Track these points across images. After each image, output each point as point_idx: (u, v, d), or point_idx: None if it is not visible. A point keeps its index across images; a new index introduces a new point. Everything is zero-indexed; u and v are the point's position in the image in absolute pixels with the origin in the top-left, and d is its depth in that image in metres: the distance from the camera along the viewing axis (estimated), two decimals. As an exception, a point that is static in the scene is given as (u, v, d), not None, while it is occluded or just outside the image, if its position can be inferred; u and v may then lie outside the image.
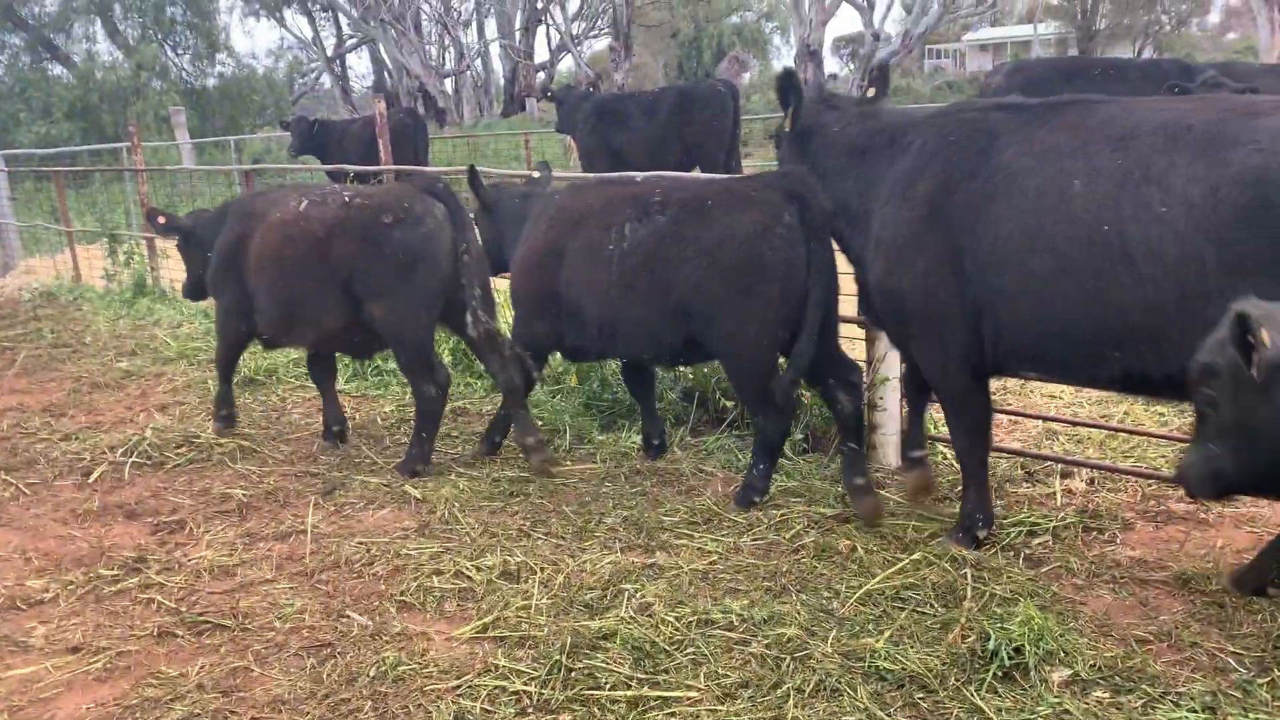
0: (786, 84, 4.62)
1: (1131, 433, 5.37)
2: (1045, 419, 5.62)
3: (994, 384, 4.55)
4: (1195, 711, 3.21)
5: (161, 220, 6.20)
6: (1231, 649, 3.57)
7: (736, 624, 3.83)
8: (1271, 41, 19.87)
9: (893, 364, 5.20)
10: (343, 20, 41.62)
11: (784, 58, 51.95)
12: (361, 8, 37.96)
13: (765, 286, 4.58)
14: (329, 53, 42.28)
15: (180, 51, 38.25)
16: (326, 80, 44.84)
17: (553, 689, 3.49)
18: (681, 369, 6.02)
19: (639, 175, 5.83)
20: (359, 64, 69.07)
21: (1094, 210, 3.60)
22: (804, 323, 4.55)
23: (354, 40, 42.18)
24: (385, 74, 42.92)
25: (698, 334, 4.80)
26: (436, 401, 5.45)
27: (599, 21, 42.86)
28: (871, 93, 4.66)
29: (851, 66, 37.62)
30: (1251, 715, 3.18)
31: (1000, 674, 3.44)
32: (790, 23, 35.48)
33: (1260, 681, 3.35)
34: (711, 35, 56.04)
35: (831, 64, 55.80)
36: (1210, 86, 9.09)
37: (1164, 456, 5.22)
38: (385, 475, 5.53)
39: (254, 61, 45.28)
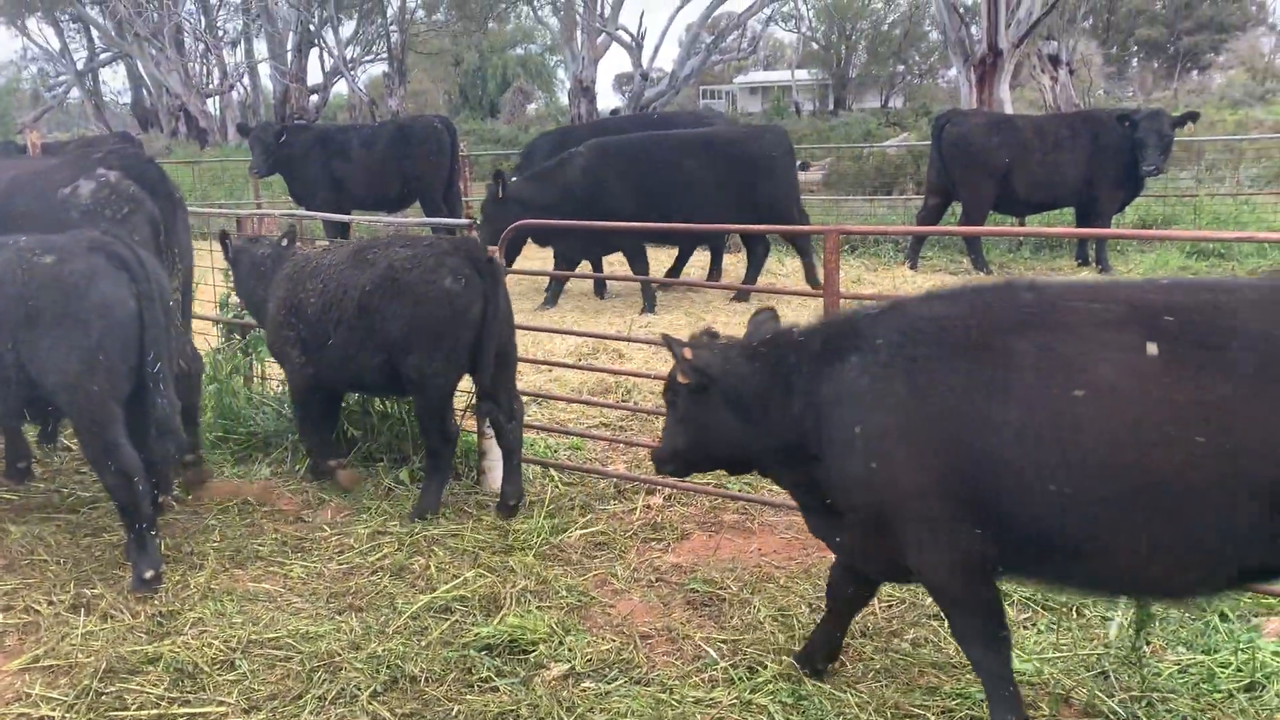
0: None
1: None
2: (633, 443, 6.22)
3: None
4: (657, 692, 3.76)
5: None
6: (716, 638, 4.17)
7: (284, 643, 4.13)
8: (971, 100, 22.21)
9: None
10: (95, 33, 39.37)
11: (566, 91, 52.91)
12: (114, 21, 36.12)
13: None
14: (79, 66, 39.85)
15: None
16: (77, 93, 42.20)
17: (78, 713, 3.67)
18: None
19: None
20: (115, 79, 65.06)
21: None
22: None
23: (107, 55, 39.93)
24: (144, 90, 40.89)
25: None
26: None
27: (374, 47, 42.47)
28: None
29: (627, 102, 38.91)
30: (700, 690, 3.77)
31: (503, 672, 3.89)
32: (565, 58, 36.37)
33: (723, 665, 3.95)
34: (496, 65, 56.42)
35: (614, 99, 57.38)
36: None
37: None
38: (-11, 514, 5.49)
39: (-9, 69, 42.09)
